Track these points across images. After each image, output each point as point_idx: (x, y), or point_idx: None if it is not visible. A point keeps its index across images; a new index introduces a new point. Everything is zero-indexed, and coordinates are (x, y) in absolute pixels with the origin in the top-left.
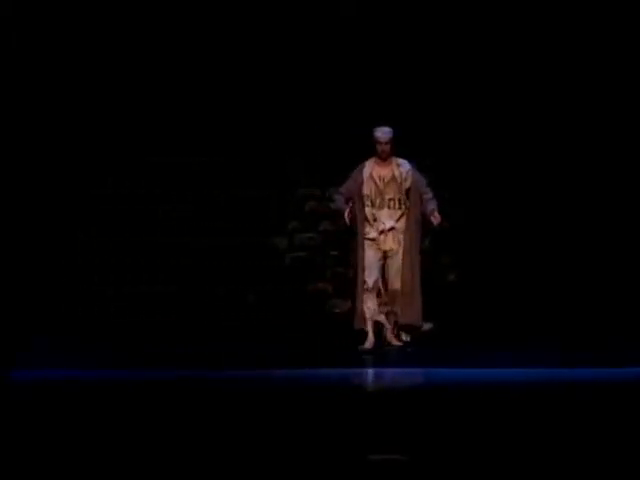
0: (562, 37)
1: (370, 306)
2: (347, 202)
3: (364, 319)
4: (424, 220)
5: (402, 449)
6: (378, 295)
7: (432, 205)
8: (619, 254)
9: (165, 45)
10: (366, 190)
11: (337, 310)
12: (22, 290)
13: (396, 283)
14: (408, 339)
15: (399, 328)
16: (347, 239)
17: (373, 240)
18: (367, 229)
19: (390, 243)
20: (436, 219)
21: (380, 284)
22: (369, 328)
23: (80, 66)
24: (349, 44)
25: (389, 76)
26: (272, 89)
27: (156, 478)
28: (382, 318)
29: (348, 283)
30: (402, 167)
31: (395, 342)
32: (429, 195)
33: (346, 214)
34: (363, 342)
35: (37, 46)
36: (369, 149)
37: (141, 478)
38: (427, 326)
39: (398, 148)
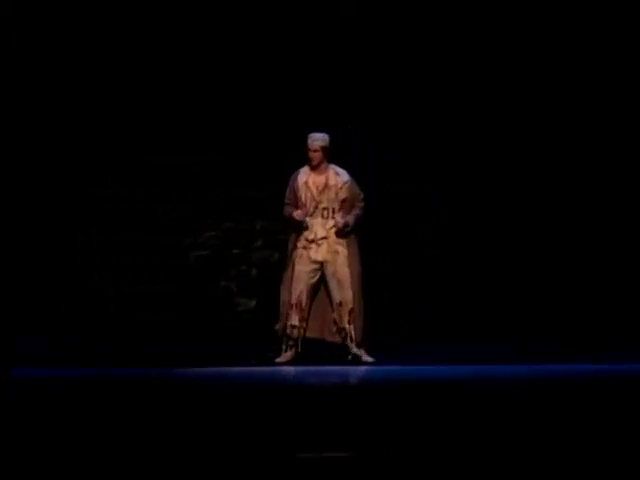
0: (560, 37)
1: (294, 323)
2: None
3: (287, 336)
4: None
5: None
6: (301, 309)
7: (350, 217)
8: (619, 253)
9: (165, 45)
10: (301, 197)
11: (240, 308)
12: (22, 290)
13: (340, 297)
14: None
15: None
16: (250, 237)
17: (304, 249)
18: (299, 237)
19: (323, 254)
20: (337, 223)
21: (304, 298)
22: (287, 344)
23: (80, 66)
24: (349, 44)
25: (389, 76)
26: (272, 89)
27: (156, 476)
28: (315, 335)
29: (251, 282)
30: (339, 177)
31: (365, 357)
32: (356, 211)
33: (300, 212)
34: (279, 354)
35: (37, 46)
36: (368, 149)
37: (141, 476)
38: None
39: (398, 147)
